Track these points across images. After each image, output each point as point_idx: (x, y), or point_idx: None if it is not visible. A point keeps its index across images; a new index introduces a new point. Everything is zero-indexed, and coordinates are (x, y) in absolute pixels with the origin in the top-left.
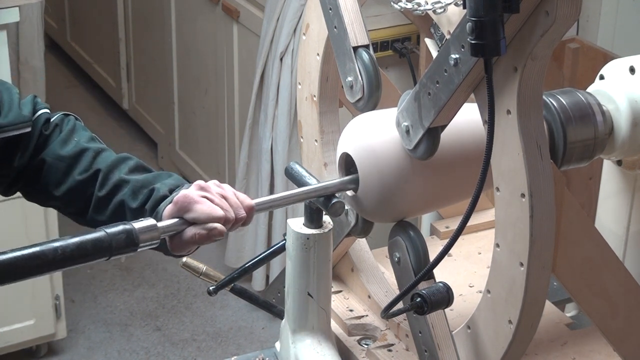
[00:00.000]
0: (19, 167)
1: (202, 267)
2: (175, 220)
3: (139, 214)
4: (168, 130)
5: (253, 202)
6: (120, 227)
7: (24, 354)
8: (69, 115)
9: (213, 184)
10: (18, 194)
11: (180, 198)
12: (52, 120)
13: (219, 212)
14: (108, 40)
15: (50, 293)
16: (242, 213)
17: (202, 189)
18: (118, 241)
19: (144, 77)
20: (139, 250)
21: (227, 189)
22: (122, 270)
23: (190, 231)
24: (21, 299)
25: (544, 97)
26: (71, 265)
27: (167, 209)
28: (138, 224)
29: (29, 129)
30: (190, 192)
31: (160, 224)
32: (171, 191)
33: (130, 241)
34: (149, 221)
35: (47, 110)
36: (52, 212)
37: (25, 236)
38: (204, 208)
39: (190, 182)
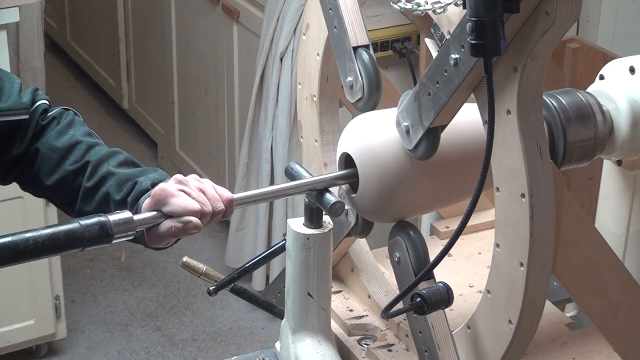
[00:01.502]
0: (17, 156)
1: (202, 267)
2: (152, 213)
3: (122, 205)
4: (168, 130)
5: (233, 195)
6: (94, 219)
7: (24, 354)
8: (68, 109)
9: (192, 178)
10: (16, 193)
11: (158, 191)
12: (50, 112)
13: (195, 206)
14: (108, 40)
15: (50, 293)
16: (220, 206)
17: (180, 182)
18: (91, 232)
19: (144, 77)
20: (113, 242)
21: (206, 183)
22: (122, 270)
23: (167, 224)
24: (21, 299)
25: (544, 97)
26: (44, 255)
27: (146, 202)
28: (113, 217)
29: (26, 116)
30: (167, 185)
31: (136, 217)
32: (153, 185)
33: (104, 232)
34: (125, 214)
35: (46, 102)
36: (52, 213)
37: None
38: (179, 201)
39: None
